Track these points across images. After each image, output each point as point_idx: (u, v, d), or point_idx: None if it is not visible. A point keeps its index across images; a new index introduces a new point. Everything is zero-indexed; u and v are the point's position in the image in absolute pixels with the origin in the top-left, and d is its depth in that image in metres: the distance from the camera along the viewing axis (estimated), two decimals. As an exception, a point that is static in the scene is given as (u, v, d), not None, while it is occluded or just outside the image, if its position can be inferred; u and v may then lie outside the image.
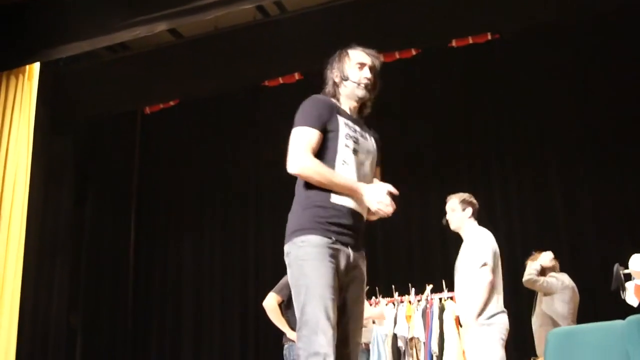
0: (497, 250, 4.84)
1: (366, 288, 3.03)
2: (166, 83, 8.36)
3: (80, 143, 9.10)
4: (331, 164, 2.87)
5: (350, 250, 2.82)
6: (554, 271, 6.06)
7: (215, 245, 9.41)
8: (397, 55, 8.01)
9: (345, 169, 2.88)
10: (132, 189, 9.83)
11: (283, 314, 5.71)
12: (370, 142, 3.05)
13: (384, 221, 3.15)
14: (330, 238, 2.79)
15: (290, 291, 5.63)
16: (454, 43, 7.93)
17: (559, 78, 7.82)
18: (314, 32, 7.20)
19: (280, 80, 8.62)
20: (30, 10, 6.95)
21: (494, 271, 4.71)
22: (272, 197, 9.14)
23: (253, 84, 8.90)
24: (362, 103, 3.10)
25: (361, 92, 3.05)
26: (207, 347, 9.04)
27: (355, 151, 2.94)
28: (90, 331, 8.80)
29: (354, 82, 3.04)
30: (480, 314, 4.57)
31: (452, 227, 5.04)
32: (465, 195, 5.07)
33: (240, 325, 8.92)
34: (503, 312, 4.73)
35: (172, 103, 9.25)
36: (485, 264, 4.65)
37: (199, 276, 9.35)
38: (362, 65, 3.07)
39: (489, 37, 7.88)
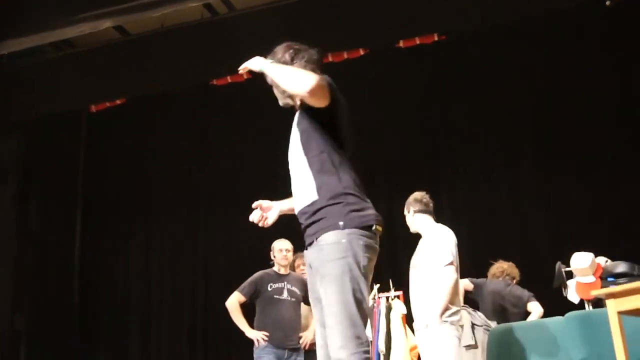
0: (456, 247, 4.88)
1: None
2: (112, 81, 8.22)
3: (23, 143, 8.91)
4: None
5: (307, 251, 2.86)
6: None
7: (164, 245, 9.30)
8: (346, 55, 8.04)
9: None
10: (78, 189, 9.67)
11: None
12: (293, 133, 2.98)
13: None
14: None
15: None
16: (401, 43, 8.00)
17: (506, 79, 7.94)
18: (262, 31, 7.16)
19: (229, 79, 8.57)
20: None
21: (457, 268, 4.75)
22: (222, 196, 9.09)
23: (201, 83, 8.83)
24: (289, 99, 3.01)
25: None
26: (156, 349, 8.95)
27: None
28: (36, 333, 8.62)
29: None
30: (443, 313, 4.60)
31: (411, 229, 5.08)
32: (415, 195, 5.11)
33: (188, 328, 8.83)
34: (463, 308, 4.78)
35: (118, 102, 9.11)
36: (451, 263, 4.67)
37: (147, 277, 9.24)
38: None
39: (436, 37, 7.97)
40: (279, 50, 3.03)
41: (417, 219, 5.03)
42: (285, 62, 2.97)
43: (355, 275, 2.64)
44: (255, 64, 2.90)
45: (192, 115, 9.36)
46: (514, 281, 6.44)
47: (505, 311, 6.12)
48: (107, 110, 9.28)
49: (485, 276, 6.55)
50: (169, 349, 8.88)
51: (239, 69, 2.98)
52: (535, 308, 6.11)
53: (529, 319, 6.01)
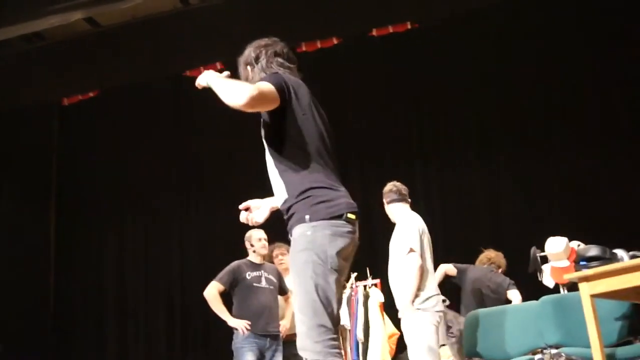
0: (426, 232, 4.90)
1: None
2: (84, 74, 8.17)
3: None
4: None
5: None
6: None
7: (139, 239, 9.23)
8: (319, 45, 8.04)
9: None
10: (52, 183, 9.55)
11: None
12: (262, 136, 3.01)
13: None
14: None
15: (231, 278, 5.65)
16: (374, 32, 8.01)
17: (477, 66, 7.98)
18: (235, 22, 7.15)
19: (202, 70, 8.45)
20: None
21: (422, 255, 4.76)
22: (196, 187, 9.06)
23: (174, 74, 8.78)
24: None
25: None
26: (133, 345, 8.90)
27: None
28: (6, 333, 8.49)
29: None
30: (414, 299, 4.64)
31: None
32: (388, 185, 5.17)
33: (165, 321, 8.79)
34: (437, 294, 4.80)
35: (91, 94, 9.02)
36: (412, 250, 4.71)
37: (122, 271, 9.16)
38: None
39: (409, 26, 7.99)
40: (247, 49, 3.05)
41: (391, 209, 5.10)
42: (250, 61, 3.02)
43: (319, 265, 2.67)
44: (203, 79, 2.91)
45: (166, 107, 9.28)
46: (499, 270, 6.47)
47: (483, 297, 6.17)
48: (80, 103, 9.18)
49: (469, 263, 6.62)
50: (145, 347, 8.84)
51: (196, 84, 2.96)
52: (514, 296, 6.14)
53: None
